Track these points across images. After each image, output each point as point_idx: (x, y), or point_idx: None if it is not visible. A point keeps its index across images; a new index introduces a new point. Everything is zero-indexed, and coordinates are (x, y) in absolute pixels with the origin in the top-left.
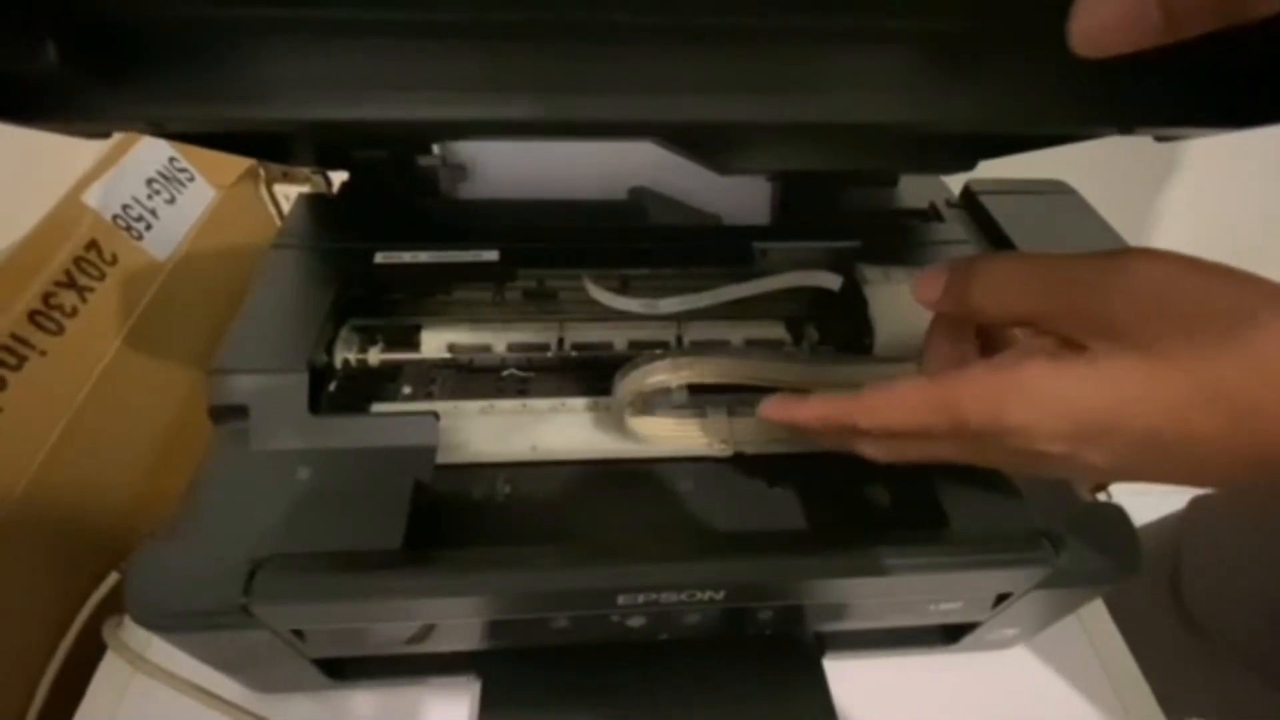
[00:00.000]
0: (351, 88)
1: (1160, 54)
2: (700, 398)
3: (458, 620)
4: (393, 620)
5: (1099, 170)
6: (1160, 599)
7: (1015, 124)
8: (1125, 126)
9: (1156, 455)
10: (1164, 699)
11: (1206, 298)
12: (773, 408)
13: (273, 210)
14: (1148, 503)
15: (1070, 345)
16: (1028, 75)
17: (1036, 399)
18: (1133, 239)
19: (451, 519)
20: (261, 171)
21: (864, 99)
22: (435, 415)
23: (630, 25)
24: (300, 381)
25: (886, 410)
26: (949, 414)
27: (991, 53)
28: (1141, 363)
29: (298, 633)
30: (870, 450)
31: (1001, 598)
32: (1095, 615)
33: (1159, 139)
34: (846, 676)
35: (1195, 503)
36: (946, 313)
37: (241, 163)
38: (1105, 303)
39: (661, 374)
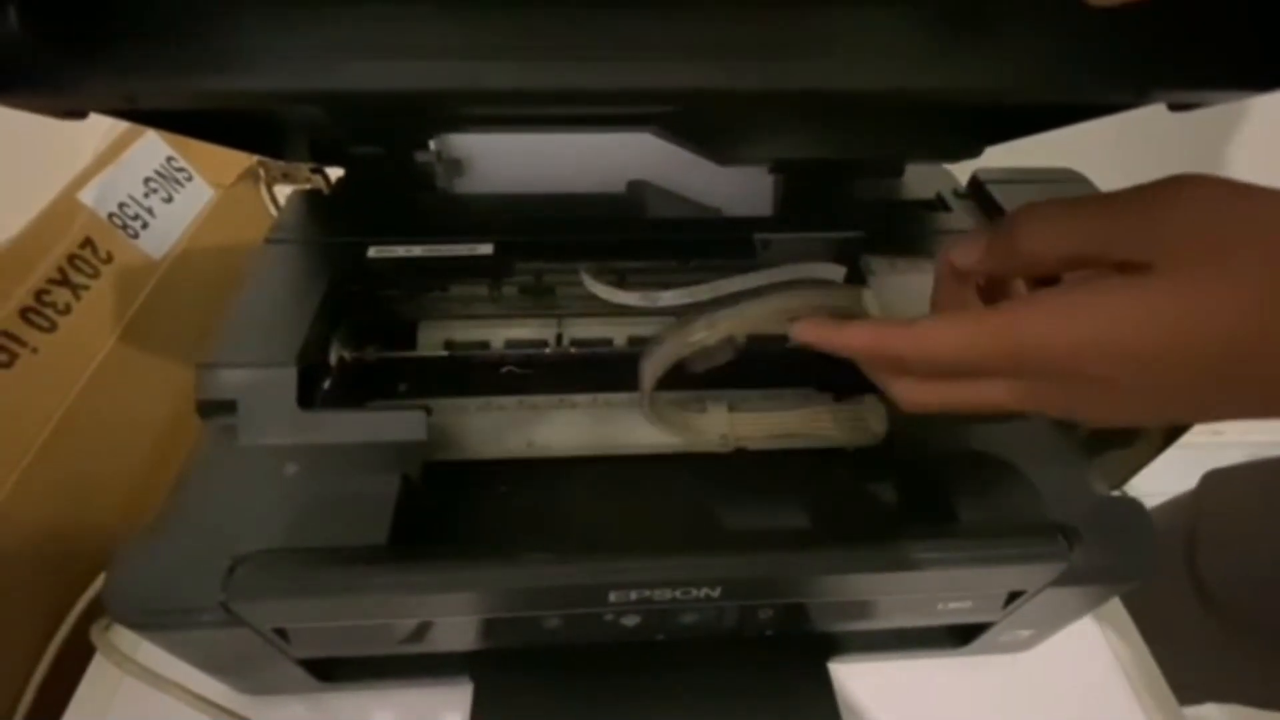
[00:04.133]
0: (329, 57)
1: (1174, 14)
2: (701, 393)
3: (442, 618)
4: (375, 618)
5: (1111, 161)
6: (1176, 575)
7: (1025, 89)
8: (1139, 91)
9: (1232, 368)
10: (1181, 675)
11: (1265, 210)
12: (808, 328)
13: (273, 210)
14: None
15: (1130, 270)
16: (1037, 38)
17: (1110, 314)
18: None
19: (443, 516)
20: (261, 172)
21: (869, 65)
22: (426, 410)
23: None
24: (289, 376)
25: (939, 339)
26: (1011, 341)
27: (1000, 15)
28: (1214, 272)
29: (280, 632)
30: (907, 392)
31: (1014, 596)
32: (1116, 615)
33: (1173, 108)
34: (853, 681)
35: (1209, 478)
36: (983, 271)
37: (241, 163)
38: (1167, 223)
39: (702, 331)
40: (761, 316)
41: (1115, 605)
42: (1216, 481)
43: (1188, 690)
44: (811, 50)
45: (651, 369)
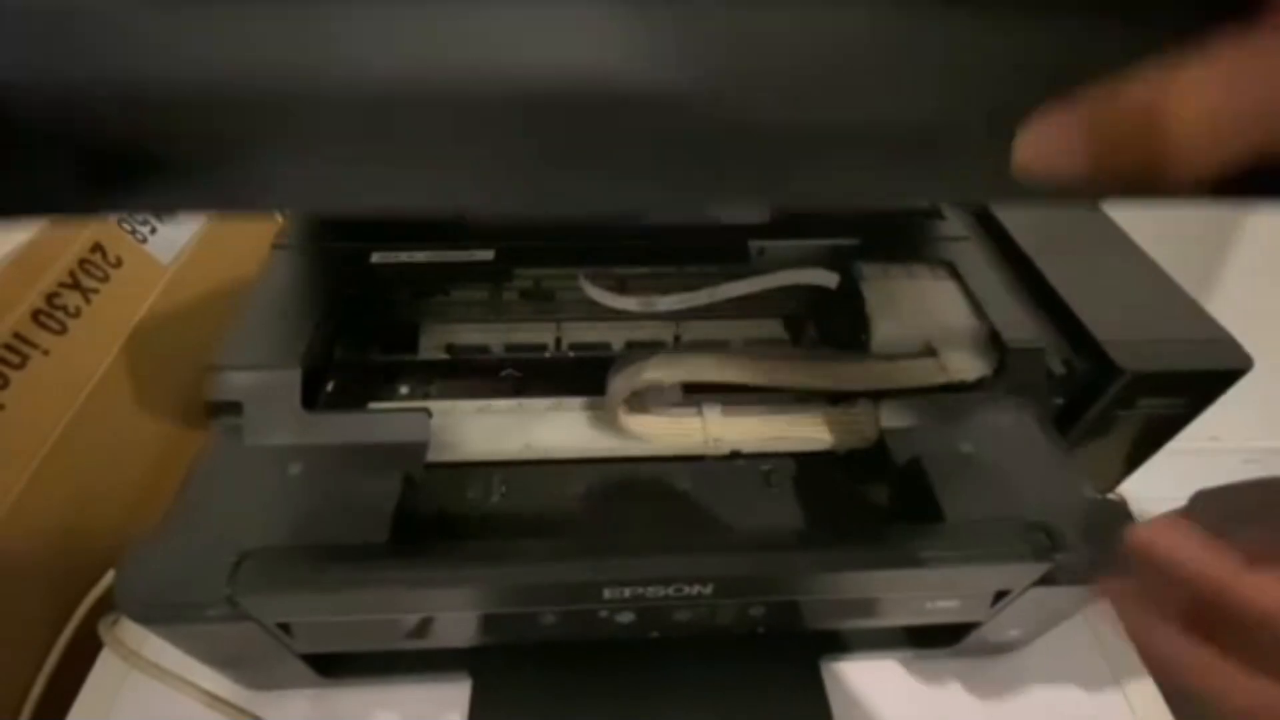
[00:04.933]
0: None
1: None
2: (696, 396)
3: (441, 614)
4: (376, 613)
5: None
6: None
7: (990, 199)
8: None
9: None
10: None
11: None
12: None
13: (279, 217)
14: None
15: None
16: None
17: None
18: (1138, 233)
19: (442, 515)
20: None
21: (828, 185)
22: (427, 411)
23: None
24: (293, 378)
25: None
26: None
27: (969, 141)
28: None
29: (284, 627)
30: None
31: (1000, 595)
32: (1107, 616)
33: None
34: (844, 678)
35: (1197, 499)
36: None
37: None
38: None
39: (655, 370)
40: (715, 368)
41: (1106, 605)
42: (1205, 501)
43: (1184, 704)
44: (777, 174)
45: (615, 391)
